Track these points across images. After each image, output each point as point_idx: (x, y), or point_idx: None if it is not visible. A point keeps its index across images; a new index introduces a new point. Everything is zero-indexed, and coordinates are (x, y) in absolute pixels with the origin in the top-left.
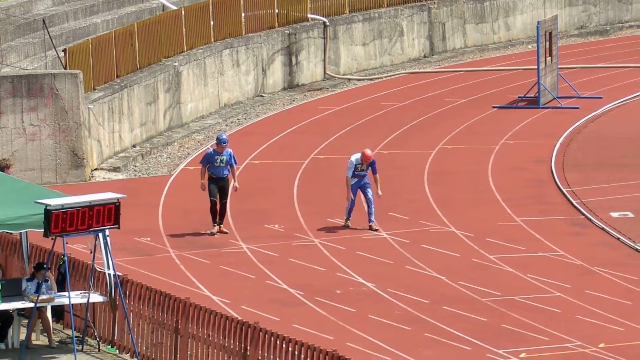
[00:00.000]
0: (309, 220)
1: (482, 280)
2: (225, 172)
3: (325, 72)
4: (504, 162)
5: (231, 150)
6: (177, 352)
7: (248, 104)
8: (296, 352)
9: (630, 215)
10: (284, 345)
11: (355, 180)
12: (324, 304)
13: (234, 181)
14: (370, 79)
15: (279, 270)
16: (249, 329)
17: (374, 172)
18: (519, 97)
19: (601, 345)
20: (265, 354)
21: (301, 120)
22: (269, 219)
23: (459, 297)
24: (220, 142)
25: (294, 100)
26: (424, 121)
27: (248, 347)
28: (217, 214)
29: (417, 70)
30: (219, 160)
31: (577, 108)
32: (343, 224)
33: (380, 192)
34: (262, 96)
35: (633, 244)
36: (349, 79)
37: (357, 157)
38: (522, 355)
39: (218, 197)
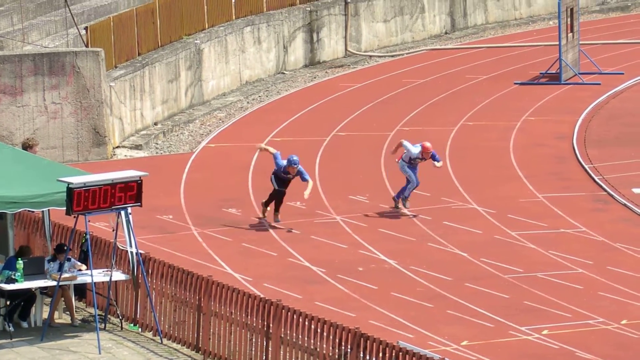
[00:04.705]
0: (331, 198)
1: (504, 257)
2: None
3: (346, 49)
4: (525, 138)
5: (302, 169)
6: (199, 330)
7: (269, 81)
8: (318, 330)
9: None
10: (306, 323)
11: (411, 167)
12: (346, 281)
13: (307, 190)
14: (392, 56)
15: (301, 247)
16: (272, 307)
17: (437, 160)
18: (540, 73)
19: (623, 321)
20: (288, 332)
21: (322, 97)
22: (291, 196)
23: (481, 274)
24: (291, 163)
25: (315, 77)
26: (446, 98)
27: (270, 325)
28: (277, 203)
29: (438, 47)
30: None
31: (599, 84)
32: (397, 205)
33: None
34: (284, 73)
35: None
36: (370, 56)
37: (417, 150)
38: (545, 332)
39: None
